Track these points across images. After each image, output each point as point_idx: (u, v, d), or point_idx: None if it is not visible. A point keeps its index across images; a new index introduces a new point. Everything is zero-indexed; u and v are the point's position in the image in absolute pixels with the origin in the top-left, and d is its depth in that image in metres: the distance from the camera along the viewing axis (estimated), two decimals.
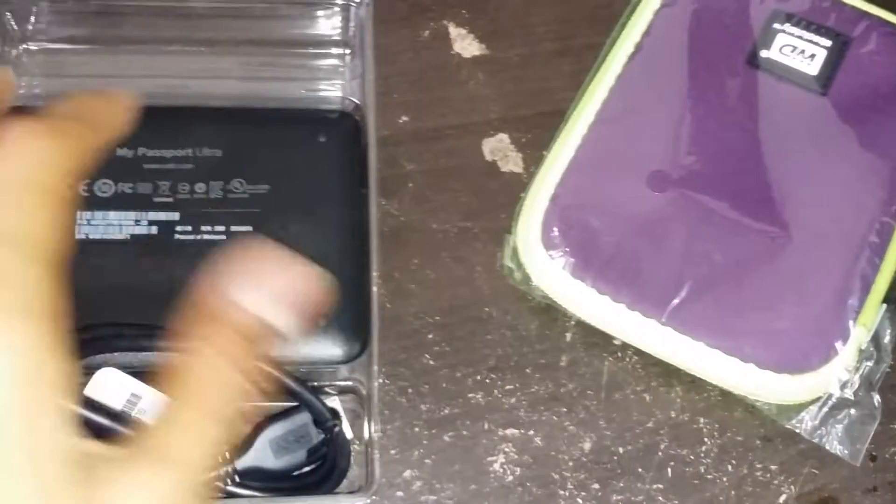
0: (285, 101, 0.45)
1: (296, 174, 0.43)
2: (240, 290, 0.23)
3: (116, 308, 0.39)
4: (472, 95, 0.48)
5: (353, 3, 0.45)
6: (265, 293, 0.23)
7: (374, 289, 0.41)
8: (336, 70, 0.46)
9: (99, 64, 0.46)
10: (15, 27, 0.45)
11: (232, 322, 0.23)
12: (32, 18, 0.46)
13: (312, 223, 0.42)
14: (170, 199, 0.42)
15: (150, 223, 0.41)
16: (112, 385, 0.38)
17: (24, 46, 0.46)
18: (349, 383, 0.41)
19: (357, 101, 0.45)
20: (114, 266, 0.41)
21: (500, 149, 0.47)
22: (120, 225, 0.41)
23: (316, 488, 0.39)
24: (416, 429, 0.42)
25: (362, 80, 0.44)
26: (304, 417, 0.39)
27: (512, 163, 0.47)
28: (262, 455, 0.38)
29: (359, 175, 0.43)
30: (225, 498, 0.37)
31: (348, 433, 0.40)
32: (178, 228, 0.41)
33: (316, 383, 0.40)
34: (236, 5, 0.46)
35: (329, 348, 0.40)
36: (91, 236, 0.41)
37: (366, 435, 0.40)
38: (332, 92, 0.46)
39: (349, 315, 0.40)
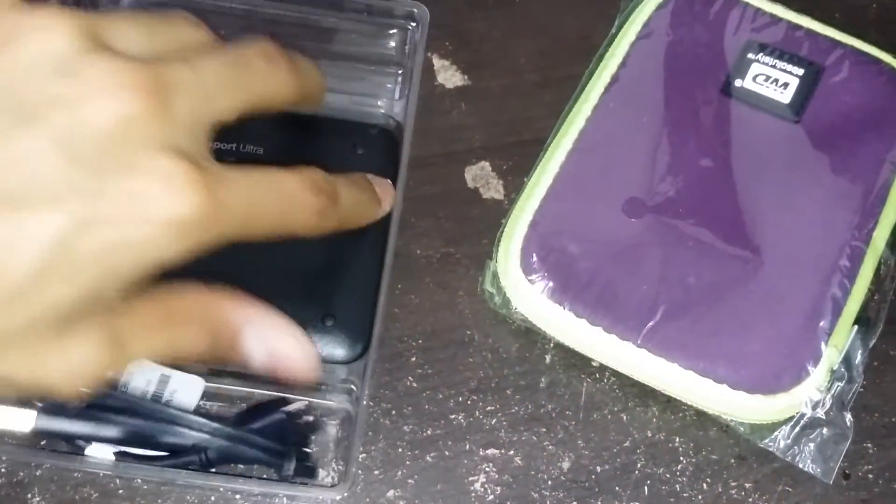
0: (331, 110, 0.46)
1: None
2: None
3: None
4: (455, 124, 0.50)
5: (409, 26, 0.47)
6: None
7: (382, 299, 0.43)
8: (384, 87, 0.48)
9: None
10: None
11: None
12: None
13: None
14: None
15: None
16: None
17: None
18: (345, 385, 0.43)
19: (399, 121, 0.47)
20: None
21: (481, 176, 0.49)
22: None
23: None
24: (400, 449, 0.43)
25: (406, 101, 0.46)
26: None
27: (493, 190, 0.48)
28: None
29: None
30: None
31: (321, 430, 0.42)
32: None
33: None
34: (303, 16, 0.48)
35: (333, 348, 0.42)
36: None
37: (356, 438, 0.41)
38: (377, 108, 0.48)
39: (355, 321, 0.43)
